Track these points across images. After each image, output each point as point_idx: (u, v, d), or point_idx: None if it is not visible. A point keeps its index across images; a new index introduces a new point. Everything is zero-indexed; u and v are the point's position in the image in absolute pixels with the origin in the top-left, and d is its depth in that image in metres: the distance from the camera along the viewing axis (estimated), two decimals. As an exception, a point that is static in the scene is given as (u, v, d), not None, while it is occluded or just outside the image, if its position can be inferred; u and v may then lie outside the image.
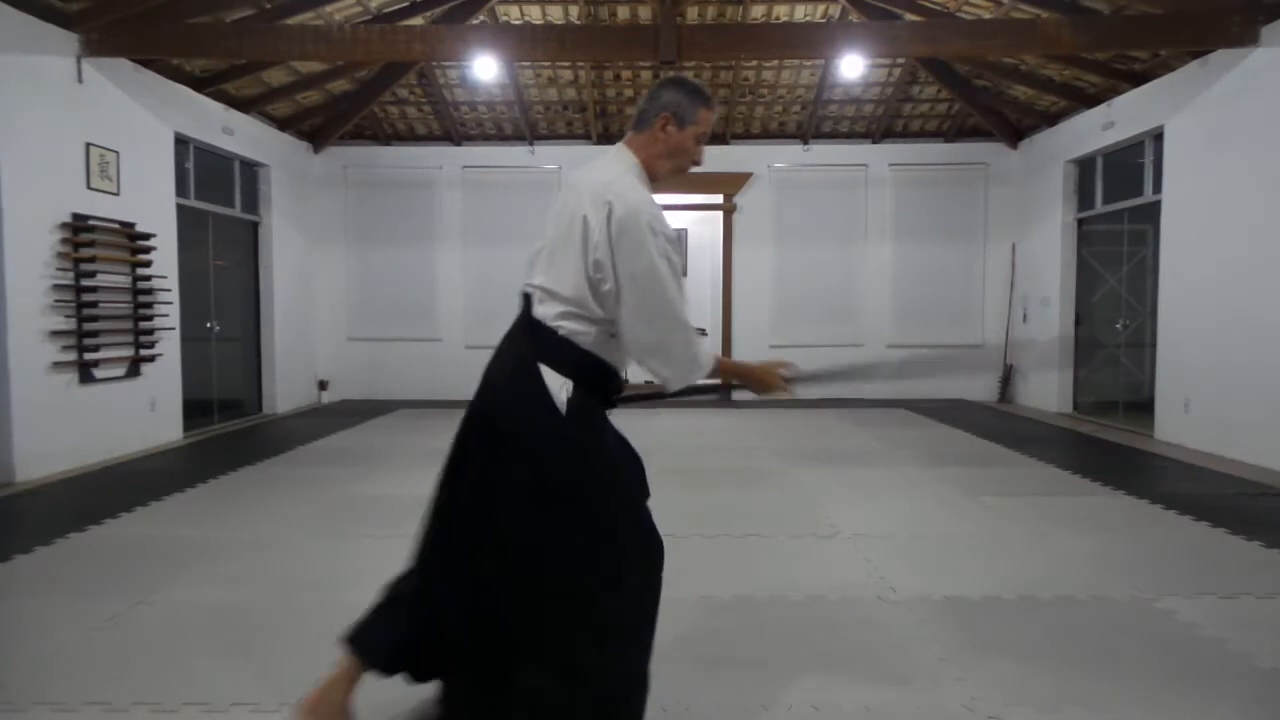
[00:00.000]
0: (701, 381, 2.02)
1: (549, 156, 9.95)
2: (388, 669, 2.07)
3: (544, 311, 1.93)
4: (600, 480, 1.93)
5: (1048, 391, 8.95)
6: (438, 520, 2.07)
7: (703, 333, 11.58)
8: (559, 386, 1.89)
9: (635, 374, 2.08)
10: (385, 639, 2.06)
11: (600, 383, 1.98)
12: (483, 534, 1.92)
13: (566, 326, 1.91)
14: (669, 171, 2.08)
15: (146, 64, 6.69)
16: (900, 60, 8.59)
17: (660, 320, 1.89)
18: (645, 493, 2.10)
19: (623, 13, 8.03)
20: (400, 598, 2.11)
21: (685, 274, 11.52)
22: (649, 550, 2.01)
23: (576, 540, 1.87)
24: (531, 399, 1.88)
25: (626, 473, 2.02)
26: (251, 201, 8.69)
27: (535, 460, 1.88)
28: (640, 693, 1.96)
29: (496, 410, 1.95)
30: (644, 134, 2.05)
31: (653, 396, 2.46)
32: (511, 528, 1.88)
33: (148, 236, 6.57)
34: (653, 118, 2.03)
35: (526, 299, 2.00)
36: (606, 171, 1.99)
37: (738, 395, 10.02)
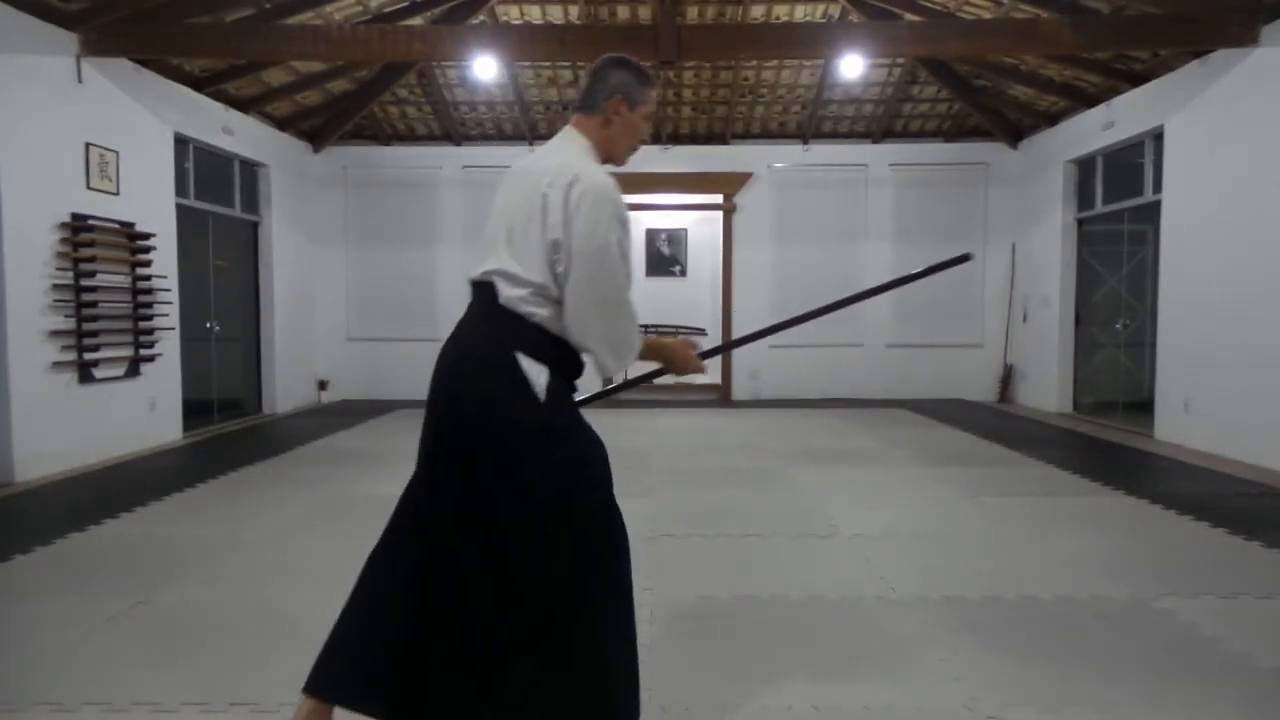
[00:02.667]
0: (626, 375, 2.00)
1: (549, 156, 9.93)
2: (362, 701, 1.96)
3: (510, 295, 1.89)
4: (585, 467, 1.93)
5: (1048, 391, 8.95)
6: (415, 520, 2.01)
7: (702, 333, 11.55)
8: (537, 373, 1.88)
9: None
10: (350, 670, 1.97)
11: (572, 368, 1.97)
12: (471, 530, 1.88)
13: (538, 313, 1.88)
14: (626, 153, 2.09)
15: (146, 64, 6.68)
16: (900, 60, 8.58)
17: (606, 302, 1.88)
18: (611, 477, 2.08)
19: (623, 13, 8.02)
20: (356, 624, 2.03)
21: (684, 273, 11.59)
22: (623, 535, 1.99)
23: (567, 528, 1.87)
24: (511, 389, 1.86)
25: (604, 459, 2.00)
26: (251, 201, 8.69)
27: (519, 451, 1.85)
28: (635, 680, 1.96)
29: (473, 403, 1.90)
30: (595, 117, 2.03)
31: (609, 393, 2.49)
32: (502, 520, 1.86)
33: (147, 236, 6.57)
34: (603, 100, 2.02)
35: (487, 286, 1.93)
36: (564, 154, 1.97)
37: (738, 395, 10.03)
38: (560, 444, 1.89)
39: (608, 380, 2.27)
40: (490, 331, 1.91)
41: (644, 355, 2.07)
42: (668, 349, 2.19)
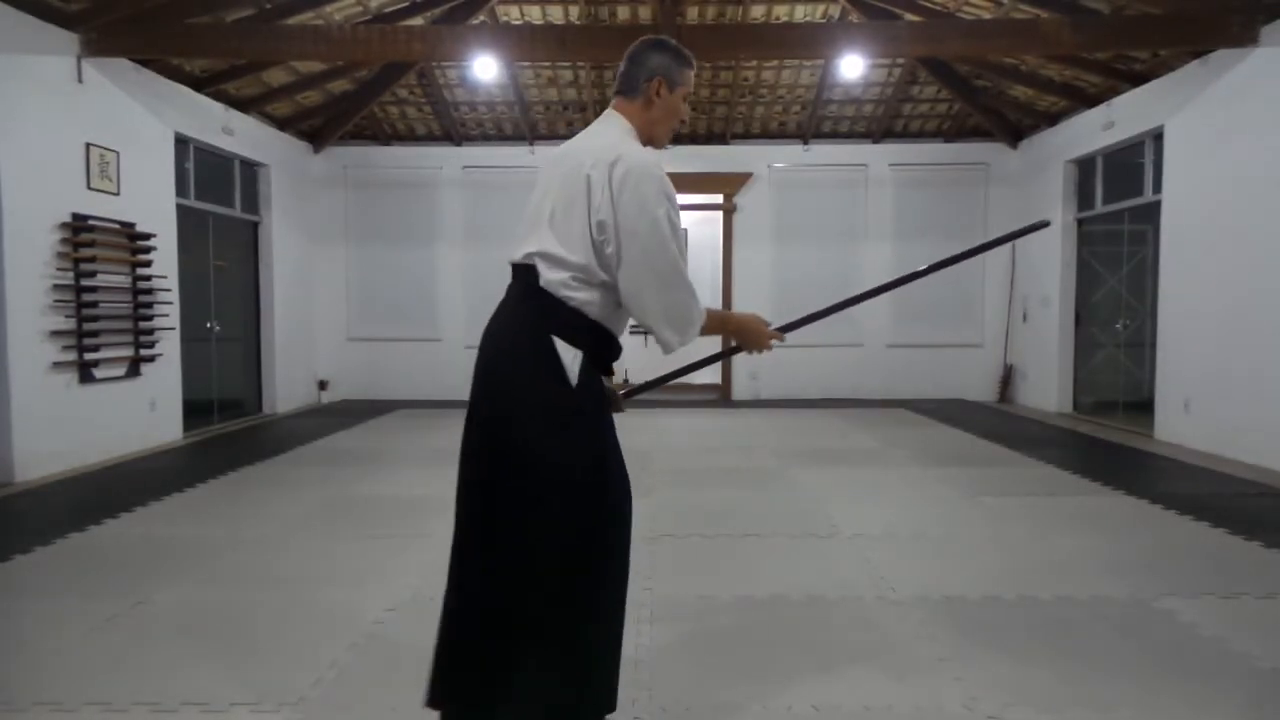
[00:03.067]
0: (692, 358, 1.98)
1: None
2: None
3: (551, 278, 1.90)
4: (607, 453, 1.96)
5: (1047, 391, 8.95)
6: (463, 508, 2.03)
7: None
8: (571, 358, 1.90)
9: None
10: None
11: (606, 353, 2.00)
12: (496, 506, 1.92)
13: (577, 297, 1.90)
14: (666, 135, 2.09)
15: (146, 64, 6.69)
16: (900, 60, 8.58)
17: (661, 277, 1.88)
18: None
19: (623, 13, 8.02)
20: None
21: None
22: (628, 527, 2.04)
23: (585, 508, 1.90)
24: (545, 370, 1.89)
25: (617, 448, 2.03)
26: (251, 201, 8.69)
27: (546, 431, 1.89)
28: (614, 670, 2.02)
29: (507, 381, 1.93)
30: (635, 100, 2.04)
31: (660, 382, 2.39)
32: (526, 497, 1.89)
33: (148, 236, 6.57)
34: (643, 83, 2.03)
35: (528, 269, 1.94)
36: (606, 137, 1.98)
37: (738, 395, 10.03)
38: (584, 427, 1.92)
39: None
40: (528, 313, 1.93)
41: (711, 329, 2.05)
42: (736, 321, 2.17)
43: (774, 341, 2.20)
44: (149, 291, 6.60)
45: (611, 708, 2.02)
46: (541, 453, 1.88)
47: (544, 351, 1.89)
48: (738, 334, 2.19)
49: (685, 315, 1.93)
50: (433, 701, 2.00)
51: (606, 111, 2.07)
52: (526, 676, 1.88)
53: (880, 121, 9.76)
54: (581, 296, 1.90)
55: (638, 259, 1.86)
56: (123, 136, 6.37)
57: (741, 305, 9.96)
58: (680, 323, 1.93)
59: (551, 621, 1.89)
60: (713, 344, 2.34)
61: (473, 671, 1.93)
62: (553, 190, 1.95)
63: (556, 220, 1.92)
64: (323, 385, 9.90)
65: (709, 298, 11.15)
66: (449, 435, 7.52)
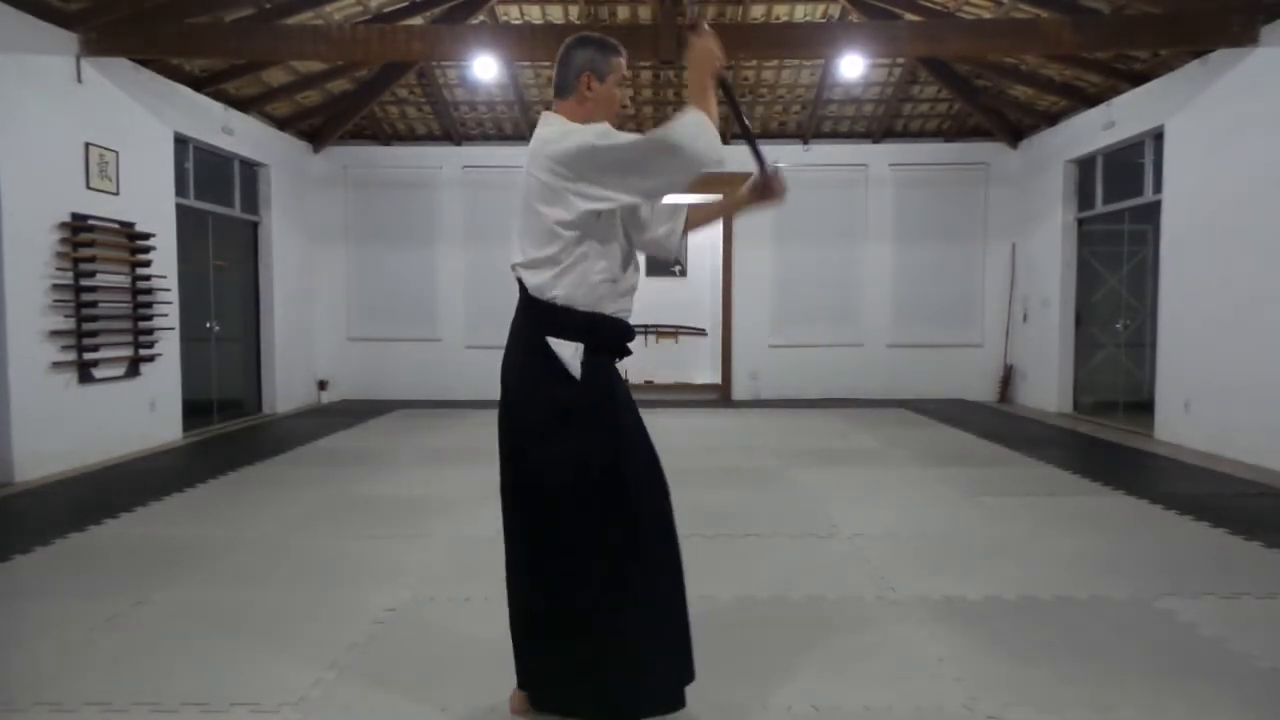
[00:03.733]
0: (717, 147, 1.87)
1: (549, 156, 9.93)
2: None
3: (535, 282, 2.02)
4: (622, 442, 2.05)
5: (1048, 391, 8.95)
6: (507, 512, 2.18)
7: (702, 333, 11.53)
8: (571, 353, 2.00)
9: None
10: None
11: (612, 338, 2.09)
12: (527, 504, 2.06)
13: (561, 293, 2.00)
14: (612, 124, 2.11)
15: (146, 64, 6.68)
16: (900, 60, 8.58)
17: (628, 166, 1.90)
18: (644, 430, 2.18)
19: (623, 13, 8.03)
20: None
21: (684, 273, 11.58)
22: (658, 483, 2.14)
23: (607, 497, 2.01)
24: (548, 371, 2.00)
25: (639, 430, 2.13)
26: (251, 201, 8.69)
27: (557, 428, 2.00)
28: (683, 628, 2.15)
29: (518, 387, 2.07)
30: (569, 99, 2.11)
31: (752, 140, 2.20)
32: (548, 493, 2.02)
33: (147, 236, 6.57)
34: (573, 80, 2.09)
35: (519, 281, 2.09)
36: (538, 136, 2.07)
37: (738, 395, 10.03)
38: (596, 420, 2.02)
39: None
40: (526, 321, 2.07)
41: (703, 100, 1.93)
42: (698, 76, 1.98)
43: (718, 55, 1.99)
44: (148, 291, 6.60)
45: (688, 678, 2.14)
46: (557, 451, 2.00)
47: (543, 354, 2.01)
48: (698, 70, 1.99)
49: (676, 150, 1.86)
50: (523, 683, 2.21)
51: (542, 114, 2.15)
52: (591, 661, 2.03)
53: (880, 121, 9.76)
54: (567, 291, 2.00)
55: (603, 183, 1.91)
56: (122, 136, 6.37)
57: (741, 305, 9.98)
58: (685, 156, 1.85)
59: (604, 608, 2.01)
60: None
61: (549, 656, 2.10)
62: (518, 205, 2.08)
63: (524, 227, 2.05)
64: (323, 385, 9.89)
65: (709, 298, 11.20)
66: (448, 435, 7.57)
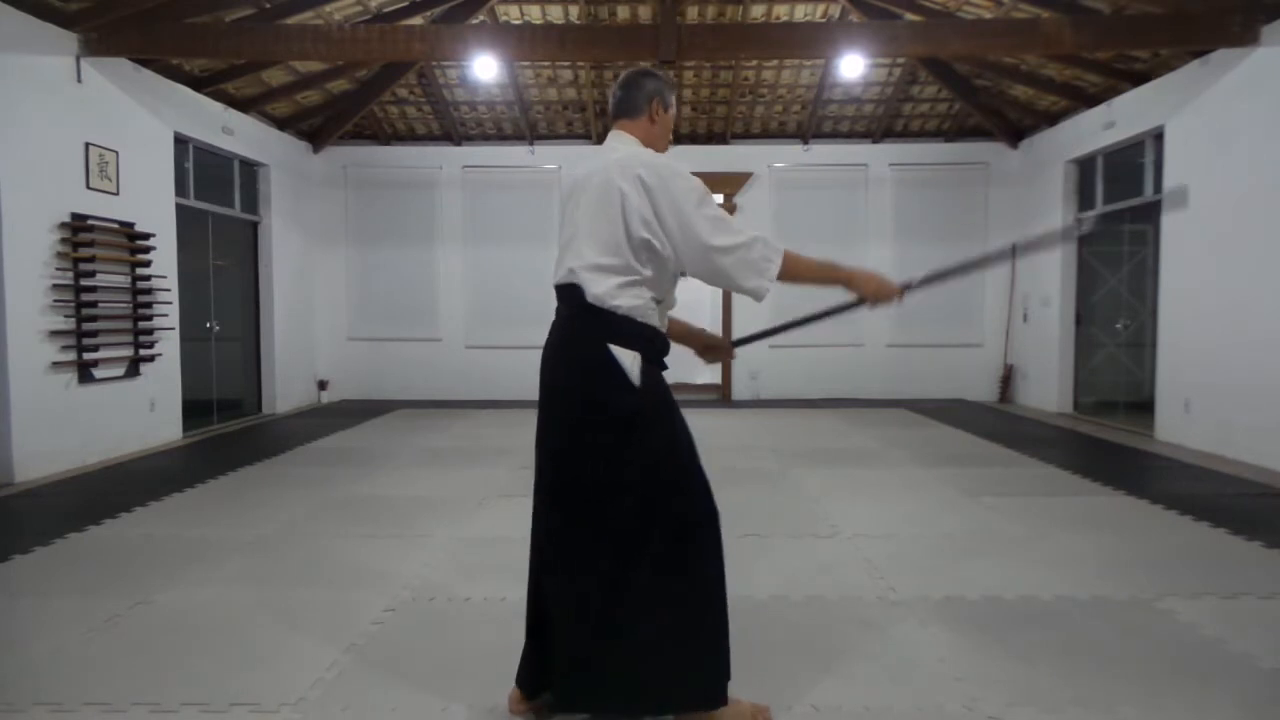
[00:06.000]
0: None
1: (549, 156, 9.95)
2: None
3: (598, 291, 2.06)
4: (678, 445, 2.15)
5: (1048, 391, 8.95)
6: (540, 515, 2.21)
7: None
8: (631, 361, 2.08)
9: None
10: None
11: (662, 350, 2.19)
12: (583, 511, 2.10)
13: (624, 304, 2.07)
14: (664, 150, 2.31)
15: (146, 64, 6.69)
16: (900, 60, 8.58)
17: (717, 243, 2.06)
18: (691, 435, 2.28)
19: (623, 12, 8.03)
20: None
21: (684, 273, 11.56)
22: (705, 482, 2.22)
23: (664, 501, 2.08)
24: (609, 381, 2.06)
25: (688, 434, 2.22)
26: (251, 201, 8.69)
27: (622, 436, 2.07)
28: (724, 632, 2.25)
29: (577, 398, 2.10)
30: (639, 120, 2.29)
31: (774, 332, 2.50)
32: (611, 499, 2.08)
33: (147, 236, 6.57)
34: (645, 104, 2.28)
35: (573, 288, 2.10)
36: (623, 151, 2.18)
37: (738, 395, 10.03)
38: (658, 426, 2.12)
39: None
40: (582, 328, 2.11)
41: (813, 275, 2.21)
42: (849, 271, 2.24)
43: (897, 297, 2.27)
44: (148, 291, 6.60)
45: (728, 676, 2.23)
46: (620, 455, 2.07)
47: (603, 360, 2.07)
48: (851, 283, 2.25)
49: (755, 260, 2.08)
50: (550, 684, 2.22)
51: (613, 132, 2.29)
52: (643, 653, 2.09)
53: (880, 121, 9.76)
54: (628, 302, 2.07)
55: (690, 238, 2.06)
56: (122, 136, 6.37)
57: (741, 305, 9.97)
58: (756, 267, 2.08)
59: (655, 601, 2.07)
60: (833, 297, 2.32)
61: (591, 652, 2.12)
62: (584, 208, 2.12)
63: (593, 232, 2.09)
64: (323, 385, 9.89)
65: (708, 298, 11.18)
66: (449, 435, 7.58)
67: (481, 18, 7.93)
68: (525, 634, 2.27)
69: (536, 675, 2.24)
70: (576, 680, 2.14)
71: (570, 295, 2.12)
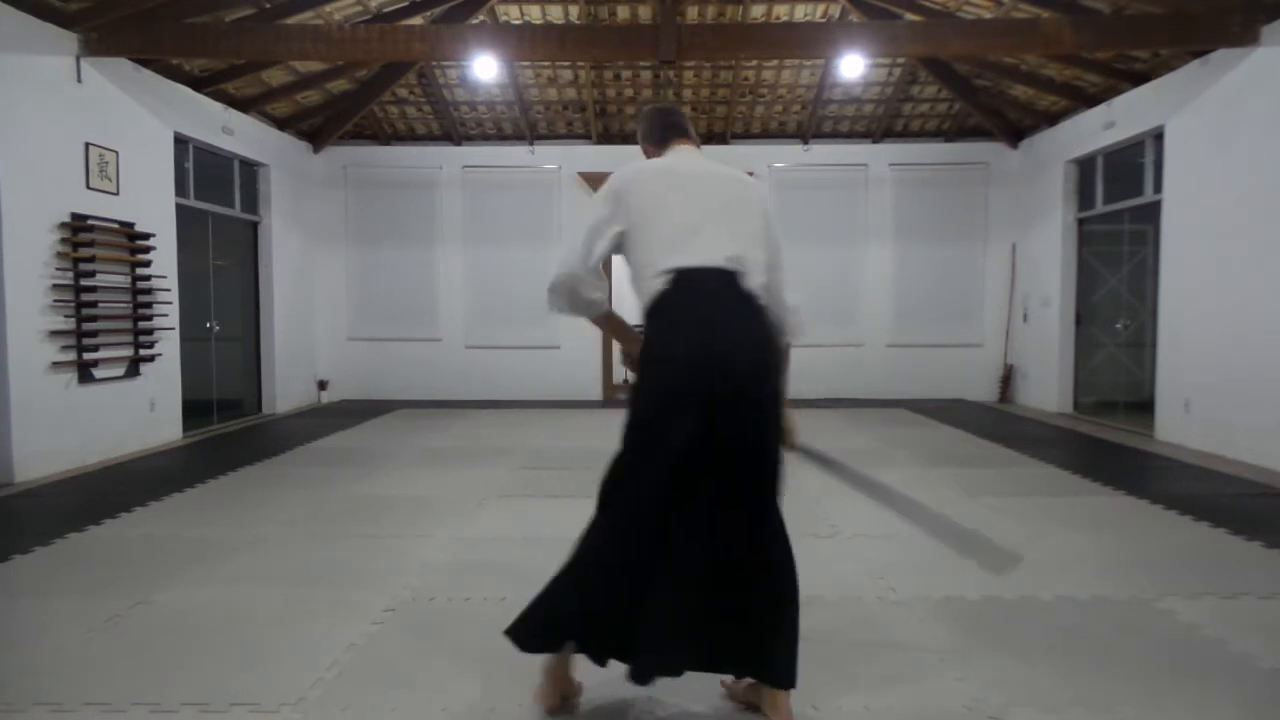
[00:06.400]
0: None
1: (549, 156, 9.95)
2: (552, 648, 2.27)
3: (754, 283, 2.23)
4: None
5: (1048, 391, 8.95)
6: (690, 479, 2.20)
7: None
8: (780, 347, 2.34)
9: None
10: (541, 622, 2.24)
11: None
12: (745, 479, 2.22)
13: (764, 297, 2.26)
14: None
15: (146, 64, 6.68)
16: (900, 60, 8.58)
17: (790, 300, 2.44)
18: None
19: (623, 12, 8.03)
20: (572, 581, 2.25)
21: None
22: None
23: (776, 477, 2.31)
24: (774, 363, 2.27)
25: None
26: (251, 201, 8.69)
27: (776, 412, 2.28)
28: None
29: (753, 376, 2.18)
30: (698, 144, 2.54)
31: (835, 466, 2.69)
32: (765, 470, 2.26)
33: (147, 236, 6.57)
34: (694, 133, 2.55)
35: (732, 274, 2.20)
36: (718, 166, 2.43)
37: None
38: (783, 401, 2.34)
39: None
40: (754, 314, 2.23)
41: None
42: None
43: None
44: (148, 291, 6.60)
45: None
46: (777, 426, 2.28)
47: (773, 346, 2.27)
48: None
49: (797, 326, 2.47)
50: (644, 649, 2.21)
51: (694, 149, 2.47)
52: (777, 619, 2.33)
53: (880, 121, 9.76)
54: (762, 295, 2.25)
55: (781, 265, 2.38)
56: (122, 136, 6.37)
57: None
58: (801, 329, 2.47)
59: (786, 575, 2.34)
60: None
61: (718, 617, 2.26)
62: (720, 202, 2.30)
63: (741, 231, 2.27)
64: (323, 385, 9.89)
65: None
66: (448, 435, 7.57)
67: (481, 18, 7.93)
68: (585, 607, 2.20)
69: (608, 645, 2.21)
70: (680, 646, 2.19)
71: (728, 278, 2.19)
